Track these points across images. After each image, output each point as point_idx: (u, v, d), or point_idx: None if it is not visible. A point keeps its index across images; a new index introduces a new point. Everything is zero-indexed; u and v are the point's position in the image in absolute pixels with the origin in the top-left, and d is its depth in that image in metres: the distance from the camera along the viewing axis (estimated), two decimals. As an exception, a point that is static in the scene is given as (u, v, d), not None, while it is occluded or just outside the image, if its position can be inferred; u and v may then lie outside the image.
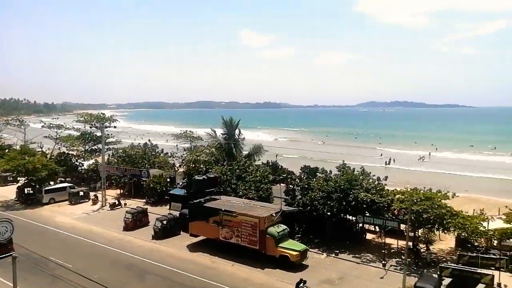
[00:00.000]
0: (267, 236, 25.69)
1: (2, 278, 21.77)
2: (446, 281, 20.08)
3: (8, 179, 51.69)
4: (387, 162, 74.30)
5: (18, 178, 49.41)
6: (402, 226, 27.70)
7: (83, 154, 56.35)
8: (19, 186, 44.62)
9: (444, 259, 26.03)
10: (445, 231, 26.47)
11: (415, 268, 24.83)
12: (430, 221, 25.60)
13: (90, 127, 56.23)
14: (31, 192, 43.18)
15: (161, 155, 55.18)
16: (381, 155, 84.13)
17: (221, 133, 50.07)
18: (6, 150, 62.57)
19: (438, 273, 21.19)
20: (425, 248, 26.97)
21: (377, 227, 30.63)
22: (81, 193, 43.45)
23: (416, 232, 28.41)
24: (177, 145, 60.28)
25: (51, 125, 63.37)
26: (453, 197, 27.29)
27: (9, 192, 46.07)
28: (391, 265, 25.31)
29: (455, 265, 22.01)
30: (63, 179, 50.15)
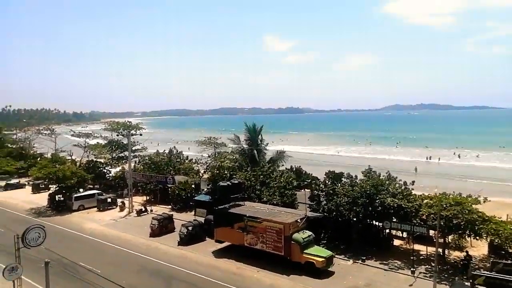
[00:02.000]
0: (292, 242, 25.51)
1: (35, 283, 22.45)
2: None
3: (40, 186, 53.43)
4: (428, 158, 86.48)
5: (50, 186, 51.04)
6: (431, 232, 26.98)
7: (111, 162, 57.75)
8: (51, 193, 46.05)
9: (477, 267, 25.10)
10: (477, 237, 25.55)
11: (445, 275, 24.05)
12: (461, 226, 24.78)
13: (117, 135, 57.63)
14: (62, 199, 44.51)
15: (186, 161, 55.84)
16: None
17: (244, 139, 50.26)
18: (38, 159, 65.08)
19: (471, 281, 20.47)
20: (464, 256, 25.65)
21: (404, 233, 29.91)
22: (109, 200, 44.43)
23: (447, 239, 27.57)
24: (201, 153, 60.87)
25: (80, 134, 65.46)
26: (484, 201, 26.38)
27: (41, 199, 47.62)
28: (420, 272, 24.61)
29: (488, 272, 21.19)
30: (91, 186, 51.47)
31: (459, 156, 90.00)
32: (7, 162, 61.12)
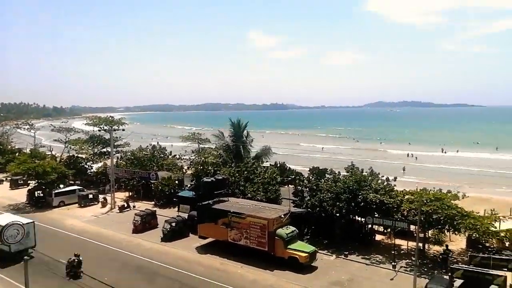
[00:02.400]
0: (276, 237, 25.64)
1: (14, 281, 21.96)
2: (458, 282, 19.82)
3: (19, 182, 52.21)
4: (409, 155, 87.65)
5: (29, 182, 49.88)
6: (412, 227, 27.51)
7: (92, 157, 56.88)
8: (30, 189, 45.09)
9: (455, 260, 25.72)
10: (456, 232, 26.17)
11: (425, 269, 24.59)
12: (441, 221, 25.33)
13: (99, 130, 56.71)
14: (41, 195, 43.63)
15: (169, 157, 55.43)
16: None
17: (229, 135, 50.17)
18: (17, 154, 63.45)
19: (450, 274, 20.96)
20: (444, 250, 26.24)
21: (386, 228, 30.43)
22: (90, 196, 43.77)
23: (427, 233, 28.16)
24: (185, 149, 60.51)
25: (61, 129, 64.14)
26: (463, 197, 27.08)
27: (19, 195, 46.57)
28: (401, 266, 25.10)
29: (466, 266, 21.75)
30: (72, 182, 50.58)
31: (444, 151, 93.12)
32: (-17, 157, 59.44)
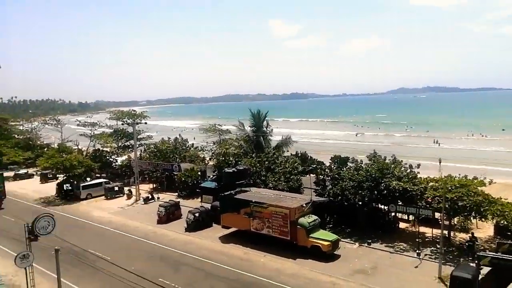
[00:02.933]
0: (298, 226, 25.72)
1: (46, 270, 22.90)
2: (485, 270, 19.47)
3: (48, 176, 54.15)
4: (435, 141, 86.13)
5: (57, 175, 51.64)
6: (437, 215, 27.04)
7: (117, 150, 58.18)
8: (59, 183, 46.64)
9: (482, 248, 25.18)
10: (483, 219, 25.56)
11: (450, 257, 24.19)
12: (466, 208, 24.79)
13: (122, 124, 57.89)
14: (70, 188, 45.05)
15: (191, 149, 56.09)
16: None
17: (249, 126, 50.30)
18: (45, 149, 65.65)
19: (476, 261, 20.58)
20: (470, 237, 25.78)
21: (410, 216, 30.02)
22: (116, 188, 44.91)
23: (452, 221, 27.63)
24: (206, 141, 61.07)
25: (86, 123, 65.85)
26: (490, 183, 26.34)
27: (49, 189, 48.24)
28: (425, 254, 24.76)
29: (494, 253, 21.27)
30: (98, 175, 51.97)
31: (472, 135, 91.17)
32: (15, 153, 61.75)
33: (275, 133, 52.56)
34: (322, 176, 32.79)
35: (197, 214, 31.66)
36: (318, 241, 25.03)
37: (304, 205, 26.98)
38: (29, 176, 58.54)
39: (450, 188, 25.04)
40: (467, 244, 24.89)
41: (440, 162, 61.41)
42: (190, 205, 36.95)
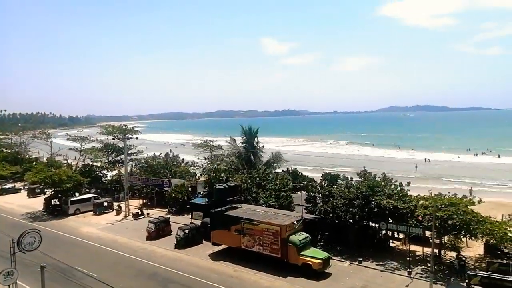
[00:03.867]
0: (289, 244, 25.56)
1: (30, 287, 22.31)
2: (475, 289, 19.50)
3: (36, 190, 53.22)
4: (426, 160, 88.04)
5: (45, 190, 50.84)
6: (427, 233, 27.11)
7: (107, 165, 57.66)
8: (46, 198, 45.91)
9: (472, 267, 25.24)
10: (473, 237, 25.71)
11: (441, 276, 24.17)
12: (456, 227, 24.91)
13: (113, 139, 57.62)
14: (58, 203, 44.37)
15: (182, 164, 55.84)
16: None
17: (241, 142, 50.37)
18: (34, 163, 64.86)
19: (467, 281, 20.61)
20: (456, 256, 25.88)
21: (401, 234, 30.05)
22: (105, 204, 44.32)
23: (442, 239, 27.71)
24: (198, 156, 60.94)
25: (76, 138, 65.39)
26: (479, 202, 26.58)
27: (36, 204, 47.42)
28: (416, 273, 24.71)
29: (484, 272, 21.34)
30: (87, 190, 51.31)
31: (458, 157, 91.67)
32: (2, 167, 60.93)
33: (267, 150, 52.61)
34: (313, 193, 32.81)
35: (187, 231, 31.33)
36: (309, 259, 24.86)
37: (295, 222, 26.88)
38: (16, 190, 57.48)
39: (440, 206, 25.22)
40: (457, 263, 24.87)
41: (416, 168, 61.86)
42: (180, 222, 36.56)
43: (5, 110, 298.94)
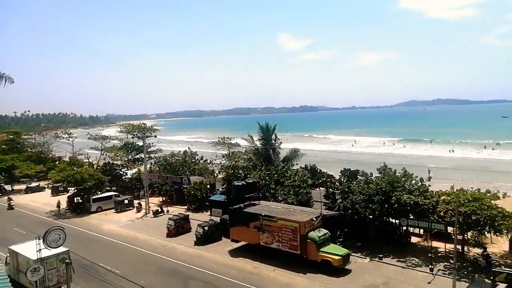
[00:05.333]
0: (308, 240, 25.47)
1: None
2: (501, 286, 19.02)
3: (59, 189, 54.53)
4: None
5: (68, 188, 52.04)
6: (450, 229, 26.57)
7: (127, 163, 58.60)
8: (69, 196, 47.03)
9: (498, 263, 24.62)
10: (497, 233, 25.04)
11: (464, 273, 23.67)
12: (480, 223, 24.33)
13: (132, 137, 58.47)
14: (80, 201, 45.39)
15: (201, 162, 56.26)
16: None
17: (258, 139, 50.39)
18: (57, 162, 66.42)
19: (492, 278, 20.11)
20: (481, 252, 25.31)
21: (422, 230, 29.55)
22: (126, 201, 45.05)
23: (465, 235, 27.13)
24: (216, 154, 61.33)
25: (97, 137, 66.68)
26: (503, 197, 25.90)
27: (60, 202, 48.53)
28: (439, 270, 24.27)
29: (510, 269, 20.77)
30: (108, 188, 52.28)
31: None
32: (27, 166, 62.52)
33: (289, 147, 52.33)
34: (332, 190, 32.58)
35: (206, 228, 31.57)
36: (329, 255, 24.72)
37: (314, 218, 26.75)
38: (40, 189, 59.11)
39: (462, 202, 24.66)
40: (484, 260, 24.21)
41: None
42: (199, 219, 36.88)
43: (29, 111, 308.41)
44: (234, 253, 29.07)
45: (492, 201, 24.82)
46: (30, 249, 21.45)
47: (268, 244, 27.51)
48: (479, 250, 26.41)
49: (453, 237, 23.67)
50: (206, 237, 31.27)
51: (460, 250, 25.96)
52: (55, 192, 54.71)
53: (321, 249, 25.09)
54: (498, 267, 22.74)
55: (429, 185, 29.66)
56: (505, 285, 19.04)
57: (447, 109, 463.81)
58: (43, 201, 51.09)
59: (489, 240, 28.12)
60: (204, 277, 24.81)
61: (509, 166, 64.27)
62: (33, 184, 60.12)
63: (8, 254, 23.96)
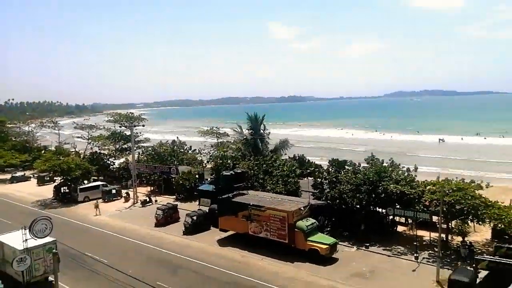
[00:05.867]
0: (296, 230, 25.73)
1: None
2: (482, 273, 19.52)
3: (45, 178, 53.87)
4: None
5: (55, 178, 51.44)
6: (434, 218, 27.09)
7: (114, 153, 58.05)
8: (56, 186, 46.50)
9: (480, 251, 25.27)
10: (480, 222, 25.64)
11: (448, 261, 24.25)
12: (464, 212, 24.86)
13: (120, 127, 57.85)
14: (67, 191, 44.95)
15: (189, 152, 56.06)
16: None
17: (247, 129, 50.36)
18: (42, 151, 65.51)
19: (474, 265, 20.64)
20: (461, 241, 26.04)
21: (408, 219, 30.08)
22: (114, 191, 44.77)
23: (449, 224, 27.72)
24: (204, 143, 61.12)
25: (83, 126, 65.79)
26: (487, 187, 26.47)
27: (46, 191, 48.08)
28: (423, 258, 24.82)
29: (491, 257, 21.33)
30: (96, 178, 51.83)
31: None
32: (11, 155, 61.54)
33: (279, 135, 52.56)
34: (320, 179, 32.84)
35: (195, 217, 31.62)
36: (316, 244, 25.03)
37: (302, 208, 27.00)
38: (26, 178, 58.28)
39: (447, 191, 25.15)
40: (465, 250, 24.80)
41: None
42: (187, 208, 36.87)
43: (13, 99, 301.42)
44: (223, 242, 29.22)
45: (476, 191, 25.36)
46: (16, 239, 21.22)
47: (257, 233, 27.70)
48: (461, 239, 27.07)
49: (438, 226, 24.16)
50: (195, 227, 31.33)
51: (444, 239, 26.53)
52: (41, 181, 54.07)
53: (309, 238, 25.38)
54: (480, 255, 23.35)
55: (415, 175, 30.10)
56: (486, 272, 19.56)
57: (434, 100, 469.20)
58: (28, 191, 50.48)
59: (472, 229, 28.79)
60: (192, 266, 24.92)
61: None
62: (18, 174, 59.20)
63: None
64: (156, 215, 34.16)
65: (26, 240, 19.86)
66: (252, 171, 37.02)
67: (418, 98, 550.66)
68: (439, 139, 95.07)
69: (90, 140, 62.41)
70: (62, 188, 45.17)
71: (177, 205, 36.64)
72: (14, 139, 77.52)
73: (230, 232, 30.12)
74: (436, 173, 38.71)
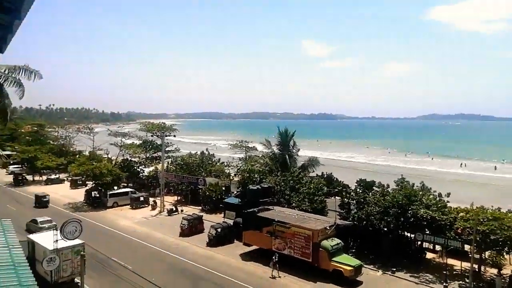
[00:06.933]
0: (320, 249, 25.29)
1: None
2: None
3: (78, 182, 55.70)
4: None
5: (87, 182, 53.05)
6: (467, 247, 25.96)
7: (144, 161, 59.33)
8: (87, 190, 47.92)
9: (515, 286, 23.90)
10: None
11: (480, 293, 23.09)
12: (499, 243, 23.71)
13: (152, 136, 59.18)
14: (97, 195, 46.22)
15: (217, 164, 56.55)
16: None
17: (276, 144, 50.37)
18: (77, 156, 67.84)
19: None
20: (497, 272, 24.74)
21: (438, 246, 28.94)
22: (141, 198, 45.63)
23: (483, 254, 26.45)
24: (232, 156, 61.53)
25: (117, 133, 67.79)
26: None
27: (78, 195, 49.59)
28: (453, 288, 23.76)
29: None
30: (125, 184, 53.05)
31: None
32: (48, 158, 64.03)
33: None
34: (347, 199, 32.27)
35: (219, 230, 31.70)
36: (341, 265, 24.48)
37: (328, 227, 26.55)
38: (60, 181, 60.53)
39: (482, 220, 24.10)
40: (504, 281, 23.47)
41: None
42: (212, 220, 37.04)
43: (53, 105, 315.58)
44: (245, 256, 29.08)
45: (513, 222, 24.15)
46: (47, 239, 21.97)
47: (280, 250, 27.41)
48: (496, 271, 25.74)
49: (470, 255, 23.12)
50: (219, 239, 31.38)
51: (477, 270, 25.34)
52: (74, 185, 55.88)
53: (333, 259, 24.87)
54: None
55: (448, 201, 29.06)
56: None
57: (469, 124, 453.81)
58: (62, 193, 52.25)
59: (508, 261, 27.34)
60: (214, 279, 24.90)
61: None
62: (53, 176, 61.56)
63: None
64: (181, 225, 34.48)
65: (57, 240, 20.52)
66: (278, 187, 36.88)
67: (456, 122, 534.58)
68: (495, 166, 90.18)
69: (122, 148, 64.13)
70: (93, 193, 46.48)
71: (202, 216, 36.89)
72: (52, 143, 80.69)
73: (254, 247, 29.94)
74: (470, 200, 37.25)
